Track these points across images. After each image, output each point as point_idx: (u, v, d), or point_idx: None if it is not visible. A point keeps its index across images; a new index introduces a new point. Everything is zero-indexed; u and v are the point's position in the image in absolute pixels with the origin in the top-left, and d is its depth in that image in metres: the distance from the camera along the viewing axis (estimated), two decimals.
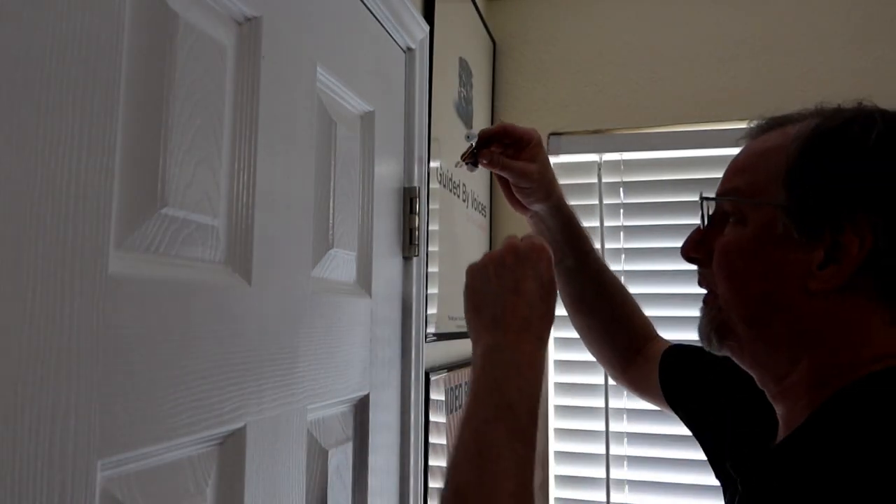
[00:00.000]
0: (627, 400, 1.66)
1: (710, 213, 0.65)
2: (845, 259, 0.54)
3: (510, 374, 0.59)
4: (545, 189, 0.91)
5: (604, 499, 1.61)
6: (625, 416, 1.65)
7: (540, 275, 0.66)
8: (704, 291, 0.67)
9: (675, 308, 1.61)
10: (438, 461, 1.18)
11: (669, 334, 1.64)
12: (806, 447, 0.52)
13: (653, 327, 1.01)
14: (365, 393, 0.87)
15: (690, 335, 0.72)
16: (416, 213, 1.02)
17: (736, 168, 0.64)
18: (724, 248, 0.62)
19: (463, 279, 0.71)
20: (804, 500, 0.46)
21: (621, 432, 1.65)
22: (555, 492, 1.67)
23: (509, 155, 0.89)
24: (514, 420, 0.56)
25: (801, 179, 0.56)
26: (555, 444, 1.70)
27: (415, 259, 1.04)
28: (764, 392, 0.65)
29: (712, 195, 0.65)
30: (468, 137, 0.87)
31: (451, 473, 0.55)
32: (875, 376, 0.53)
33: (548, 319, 0.65)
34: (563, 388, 1.70)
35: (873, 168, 0.54)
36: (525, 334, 0.62)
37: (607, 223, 1.73)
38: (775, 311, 0.58)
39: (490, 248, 1.70)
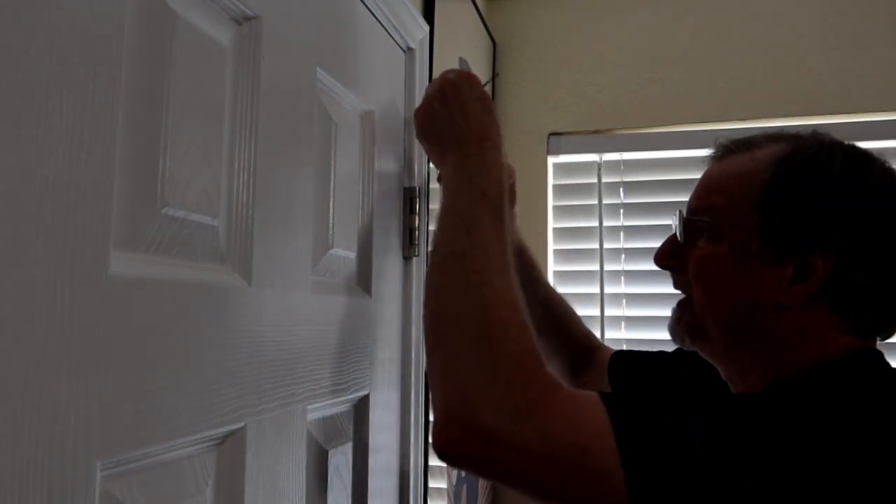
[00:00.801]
0: None
1: (684, 225, 0.71)
2: (812, 277, 0.62)
3: (480, 172, 0.69)
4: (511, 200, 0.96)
5: None
6: None
7: (477, 95, 0.77)
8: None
9: None
10: (438, 461, 1.18)
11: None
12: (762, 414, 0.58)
13: (595, 337, 1.08)
14: (365, 393, 0.87)
15: None
16: (416, 213, 1.02)
17: (710, 188, 0.71)
18: (701, 261, 0.69)
19: None
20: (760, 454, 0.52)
21: None
22: None
23: None
24: (489, 203, 0.66)
25: (775, 204, 0.64)
26: None
27: (415, 259, 1.04)
28: (711, 387, 0.74)
29: (688, 210, 0.72)
30: (462, 62, 0.91)
31: (446, 243, 0.66)
32: (815, 369, 0.62)
33: (496, 127, 0.75)
34: None
35: (837, 198, 0.62)
36: (485, 142, 0.72)
37: (607, 223, 1.73)
38: (747, 319, 0.65)
39: None
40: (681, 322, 0.71)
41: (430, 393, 0.60)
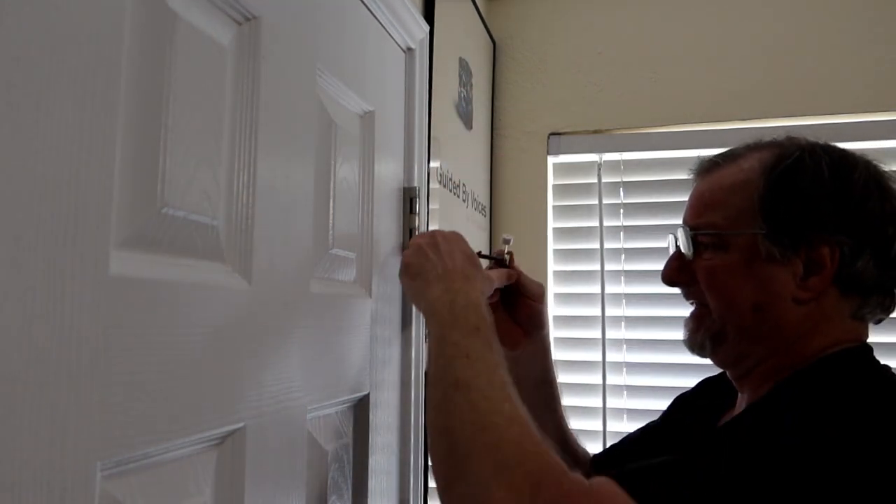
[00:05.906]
0: (627, 399, 1.66)
1: (685, 241, 0.73)
2: (822, 270, 0.65)
3: (468, 308, 0.72)
4: (545, 316, 0.96)
5: None
6: (624, 417, 1.65)
7: (463, 250, 0.81)
8: None
9: (674, 308, 1.60)
10: None
11: (669, 333, 1.65)
12: (765, 412, 0.62)
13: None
14: (365, 393, 0.87)
15: None
16: (416, 213, 1.02)
17: (705, 203, 0.73)
18: (712, 271, 0.71)
19: None
20: (763, 456, 0.53)
21: (621, 433, 1.66)
22: None
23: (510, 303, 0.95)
24: (482, 337, 0.69)
25: (775, 208, 0.67)
26: None
27: None
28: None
29: (689, 227, 0.73)
30: (505, 241, 0.98)
31: (447, 375, 0.66)
32: (826, 359, 0.65)
33: (480, 278, 0.79)
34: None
35: (831, 192, 0.66)
36: (470, 280, 0.76)
37: (607, 223, 1.73)
38: (766, 318, 0.68)
39: (490, 248, 1.70)
40: (699, 331, 0.73)
41: None
